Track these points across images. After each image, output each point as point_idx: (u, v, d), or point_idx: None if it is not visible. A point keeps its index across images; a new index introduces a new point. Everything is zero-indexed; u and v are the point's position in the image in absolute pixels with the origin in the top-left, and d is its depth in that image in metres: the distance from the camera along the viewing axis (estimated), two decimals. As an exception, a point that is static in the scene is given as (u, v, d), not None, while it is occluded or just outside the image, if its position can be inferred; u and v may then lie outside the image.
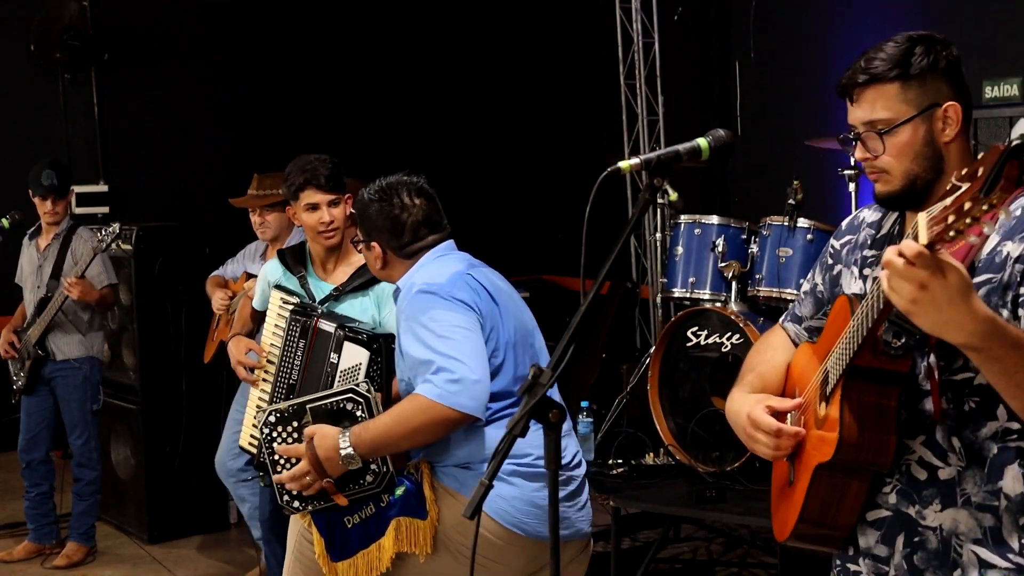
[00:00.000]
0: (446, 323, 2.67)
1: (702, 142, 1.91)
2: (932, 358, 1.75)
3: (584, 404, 4.58)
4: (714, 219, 4.56)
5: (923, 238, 1.46)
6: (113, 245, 4.83)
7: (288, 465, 2.82)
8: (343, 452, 2.66)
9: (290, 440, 2.83)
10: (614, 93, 6.97)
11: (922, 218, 1.46)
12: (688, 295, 4.57)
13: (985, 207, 1.38)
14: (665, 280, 4.72)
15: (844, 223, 2.09)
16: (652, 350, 4.60)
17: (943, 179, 1.79)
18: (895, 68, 1.79)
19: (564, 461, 2.73)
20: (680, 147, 1.90)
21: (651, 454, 4.46)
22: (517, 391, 2.74)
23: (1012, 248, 1.71)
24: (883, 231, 1.96)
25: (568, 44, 8.07)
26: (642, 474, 4.30)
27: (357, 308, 3.32)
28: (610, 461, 4.39)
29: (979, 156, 1.41)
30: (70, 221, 5.03)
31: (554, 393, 2.42)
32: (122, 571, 5.03)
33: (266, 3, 7.59)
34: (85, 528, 5.07)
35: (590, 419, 4.56)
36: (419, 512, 2.72)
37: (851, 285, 1.97)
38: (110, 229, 4.74)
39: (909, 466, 1.83)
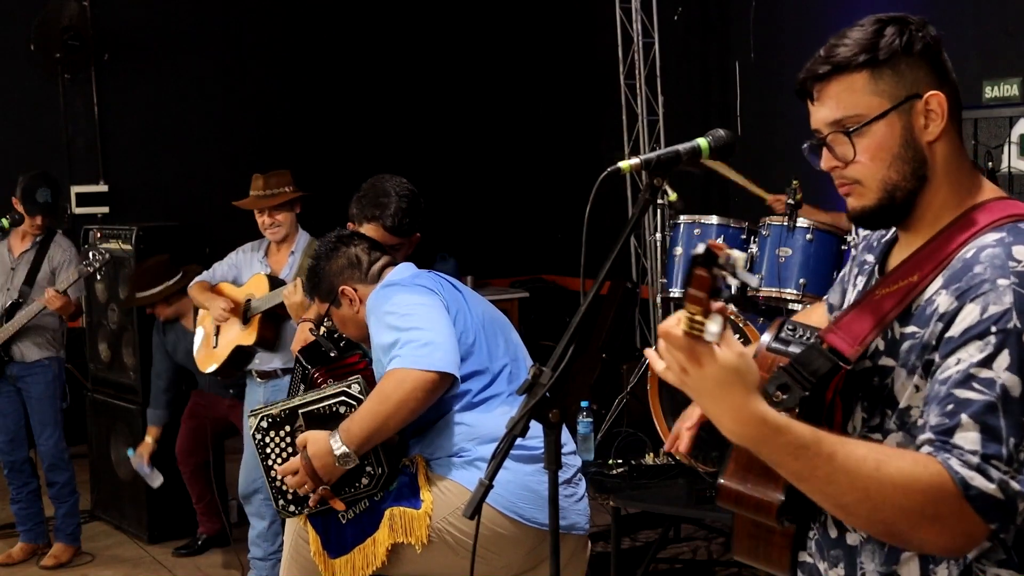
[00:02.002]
0: (407, 303, 2.74)
1: (702, 142, 1.90)
2: (838, 415, 1.56)
3: (584, 404, 4.58)
4: (714, 219, 4.56)
5: (681, 324, 1.33)
6: (98, 275, 4.85)
7: (283, 461, 2.83)
8: (337, 453, 2.66)
9: (283, 444, 2.84)
10: (614, 93, 6.97)
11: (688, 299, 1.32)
12: (688, 295, 4.56)
13: (687, 317, 1.29)
14: (665, 280, 4.72)
15: None
16: (652, 350, 4.60)
17: (928, 188, 1.55)
18: (862, 53, 1.52)
19: None
20: (680, 147, 1.89)
21: (651, 454, 4.46)
22: (494, 374, 2.79)
23: (942, 301, 1.47)
24: (887, 236, 1.71)
25: (568, 44, 8.07)
26: (642, 474, 4.30)
27: None
28: (610, 461, 4.39)
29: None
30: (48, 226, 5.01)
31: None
32: (122, 571, 5.03)
33: (266, 3, 7.59)
34: (71, 529, 5.09)
35: (590, 419, 4.56)
36: (413, 501, 2.72)
37: (849, 287, 1.78)
38: (101, 255, 4.74)
39: (826, 518, 1.64)
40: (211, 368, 4.55)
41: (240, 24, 7.49)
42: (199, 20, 7.34)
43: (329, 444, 2.67)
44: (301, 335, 3.84)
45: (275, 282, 4.39)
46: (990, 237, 1.49)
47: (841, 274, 1.89)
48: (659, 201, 5.04)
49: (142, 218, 6.18)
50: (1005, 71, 5.01)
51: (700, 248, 1.27)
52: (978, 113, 4.84)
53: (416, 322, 2.70)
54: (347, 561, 2.75)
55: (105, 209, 6.99)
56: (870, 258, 1.73)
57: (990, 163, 4.64)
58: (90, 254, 4.80)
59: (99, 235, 5.47)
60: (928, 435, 1.41)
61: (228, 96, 7.44)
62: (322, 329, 3.31)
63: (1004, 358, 1.38)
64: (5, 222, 5.02)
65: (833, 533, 1.63)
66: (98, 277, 4.95)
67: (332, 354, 3.12)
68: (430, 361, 2.62)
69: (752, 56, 6.22)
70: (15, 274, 4.93)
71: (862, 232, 1.82)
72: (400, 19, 7.92)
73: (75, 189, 6.89)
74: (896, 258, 1.64)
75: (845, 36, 1.56)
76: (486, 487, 1.81)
